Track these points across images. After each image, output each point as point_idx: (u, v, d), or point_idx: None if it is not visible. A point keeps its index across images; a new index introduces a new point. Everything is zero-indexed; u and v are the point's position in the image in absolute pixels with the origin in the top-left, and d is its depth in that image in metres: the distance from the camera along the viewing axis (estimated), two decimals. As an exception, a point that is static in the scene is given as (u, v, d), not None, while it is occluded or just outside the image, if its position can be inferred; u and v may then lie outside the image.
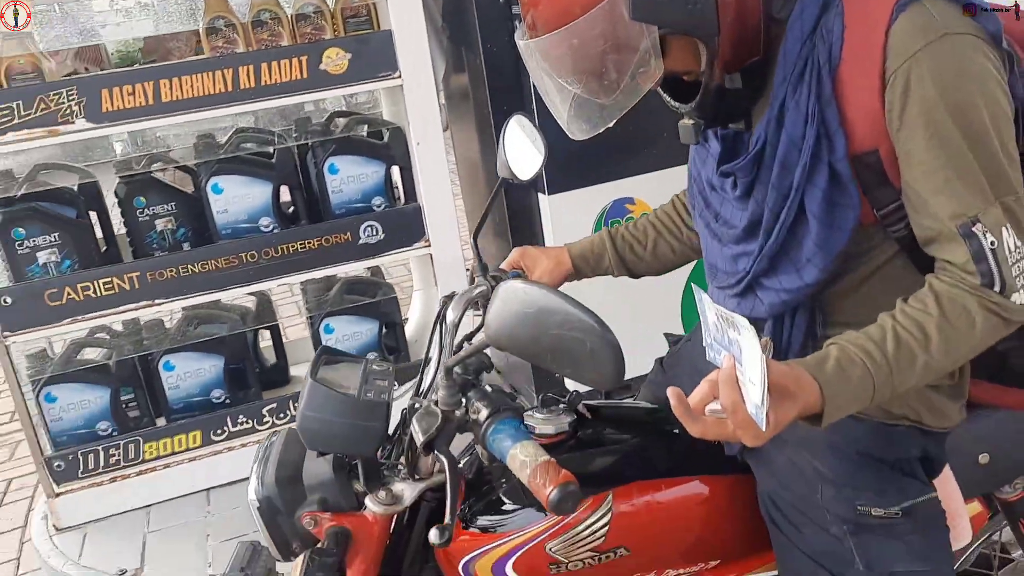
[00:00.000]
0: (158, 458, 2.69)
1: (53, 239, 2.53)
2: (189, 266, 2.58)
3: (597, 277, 1.56)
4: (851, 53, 1.06)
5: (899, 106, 1.04)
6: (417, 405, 1.17)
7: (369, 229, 2.72)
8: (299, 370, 3.11)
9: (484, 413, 1.12)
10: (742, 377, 0.93)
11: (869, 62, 1.05)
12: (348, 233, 2.70)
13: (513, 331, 1.06)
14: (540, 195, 2.72)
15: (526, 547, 1.21)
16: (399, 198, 2.86)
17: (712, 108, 1.17)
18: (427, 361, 1.30)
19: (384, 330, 3.03)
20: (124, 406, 2.73)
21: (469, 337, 1.33)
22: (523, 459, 1.02)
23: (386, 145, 2.80)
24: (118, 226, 2.76)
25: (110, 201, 2.79)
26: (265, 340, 3.13)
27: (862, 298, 1.17)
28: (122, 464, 2.66)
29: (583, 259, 1.52)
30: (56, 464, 2.62)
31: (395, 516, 1.25)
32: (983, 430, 1.38)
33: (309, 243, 2.68)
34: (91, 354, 2.71)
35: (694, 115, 1.20)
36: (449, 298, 1.34)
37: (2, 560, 2.84)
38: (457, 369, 1.17)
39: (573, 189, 2.68)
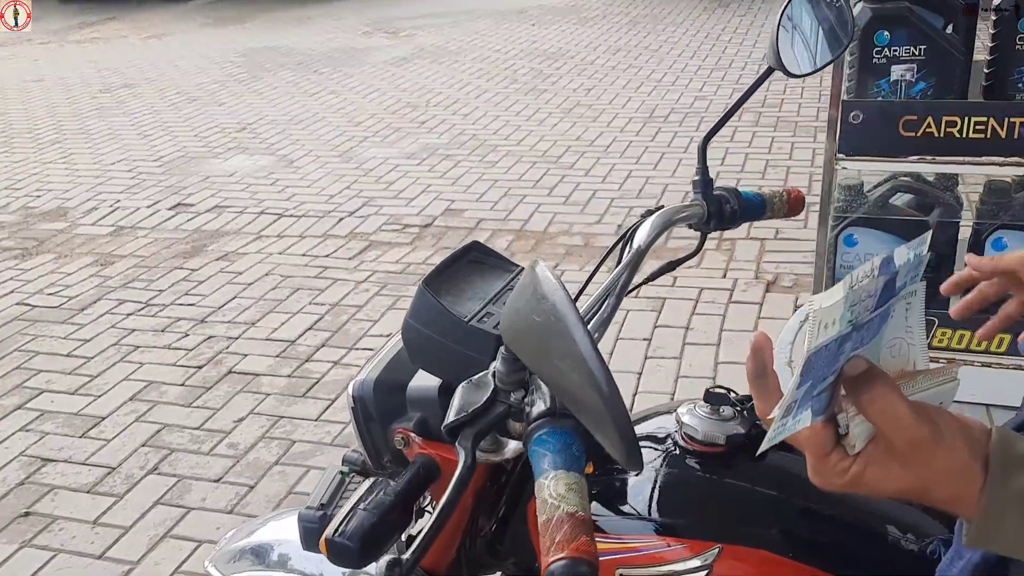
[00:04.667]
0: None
1: (915, 52, 2.06)
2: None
3: None
4: None
5: None
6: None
7: None
8: None
9: (537, 409, 0.85)
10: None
11: None
12: None
13: (522, 335, 0.81)
14: None
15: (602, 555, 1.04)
16: None
17: None
18: (588, 283, 1.14)
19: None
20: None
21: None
22: (547, 496, 0.74)
23: None
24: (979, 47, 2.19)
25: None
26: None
27: None
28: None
29: None
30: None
31: (494, 466, 1.11)
32: None
33: None
34: (899, 201, 2.28)
35: None
36: (651, 213, 1.15)
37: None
38: None
39: None
